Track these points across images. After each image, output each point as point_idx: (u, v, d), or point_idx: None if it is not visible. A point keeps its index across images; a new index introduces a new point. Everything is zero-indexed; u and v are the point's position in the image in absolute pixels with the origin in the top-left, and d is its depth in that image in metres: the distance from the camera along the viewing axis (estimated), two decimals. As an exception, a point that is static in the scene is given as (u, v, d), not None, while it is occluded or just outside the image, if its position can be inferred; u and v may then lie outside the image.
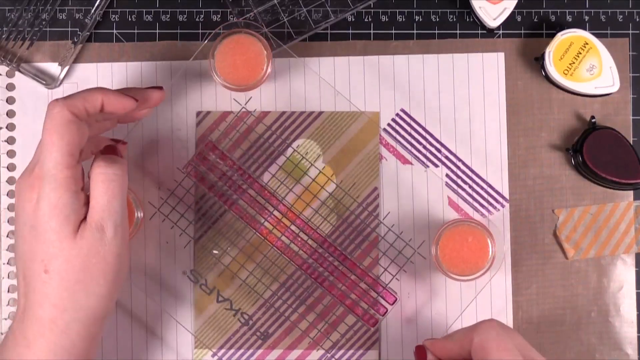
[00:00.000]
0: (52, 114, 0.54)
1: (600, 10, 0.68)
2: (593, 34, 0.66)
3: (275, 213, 0.65)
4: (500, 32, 0.68)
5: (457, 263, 0.63)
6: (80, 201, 0.55)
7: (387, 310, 0.64)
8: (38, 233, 0.54)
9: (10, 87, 0.67)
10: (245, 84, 0.64)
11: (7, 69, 0.67)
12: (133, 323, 0.66)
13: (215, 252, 0.66)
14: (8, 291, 0.66)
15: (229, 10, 0.68)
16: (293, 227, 0.65)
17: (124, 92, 0.58)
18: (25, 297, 0.56)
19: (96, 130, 0.60)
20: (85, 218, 0.55)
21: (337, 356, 0.66)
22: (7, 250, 0.66)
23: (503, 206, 0.67)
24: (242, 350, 0.66)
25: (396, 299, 0.65)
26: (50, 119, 0.54)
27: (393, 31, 0.68)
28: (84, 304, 0.55)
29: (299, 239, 0.65)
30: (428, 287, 0.66)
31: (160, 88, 0.61)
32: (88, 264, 0.55)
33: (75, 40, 0.67)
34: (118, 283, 0.57)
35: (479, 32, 0.68)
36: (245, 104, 0.67)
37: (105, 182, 0.56)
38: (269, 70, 0.64)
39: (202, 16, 0.68)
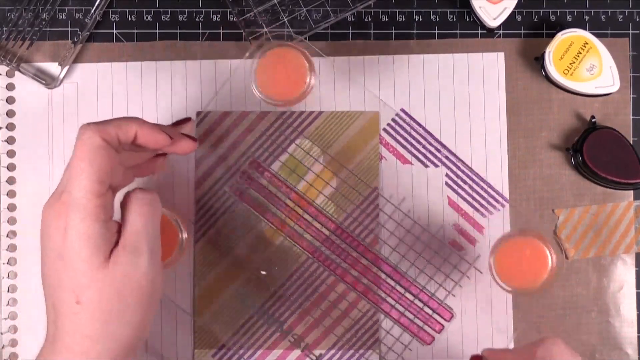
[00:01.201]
0: (83, 139, 0.52)
1: (600, 10, 0.68)
2: (593, 33, 0.66)
3: (315, 224, 0.66)
4: (500, 32, 0.68)
5: (515, 276, 0.62)
6: (111, 230, 0.53)
7: (443, 327, 0.65)
8: (67, 262, 0.52)
9: (10, 87, 0.67)
10: (287, 99, 0.63)
11: (7, 69, 0.67)
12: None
13: (263, 272, 0.66)
14: (8, 291, 0.66)
15: (229, 10, 0.68)
16: (337, 240, 0.66)
17: (160, 128, 0.56)
18: (55, 325, 0.53)
19: (134, 160, 0.59)
20: (116, 245, 0.53)
21: (337, 356, 0.66)
22: (7, 250, 0.66)
23: (503, 206, 0.67)
24: (242, 350, 0.66)
25: (452, 315, 0.65)
26: (81, 143, 0.52)
27: (393, 31, 0.68)
28: (118, 334, 0.53)
29: (345, 254, 0.66)
30: (480, 301, 0.66)
31: (194, 139, 0.59)
32: (122, 292, 0.52)
33: (75, 40, 0.67)
34: (152, 309, 0.55)
35: (479, 32, 0.68)
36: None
37: (140, 205, 0.54)
38: (312, 84, 0.63)
39: (202, 16, 0.68)
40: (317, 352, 0.66)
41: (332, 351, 0.66)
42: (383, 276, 0.66)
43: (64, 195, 0.52)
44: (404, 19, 0.68)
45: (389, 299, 0.66)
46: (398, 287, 0.66)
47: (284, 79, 0.62)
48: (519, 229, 0.66)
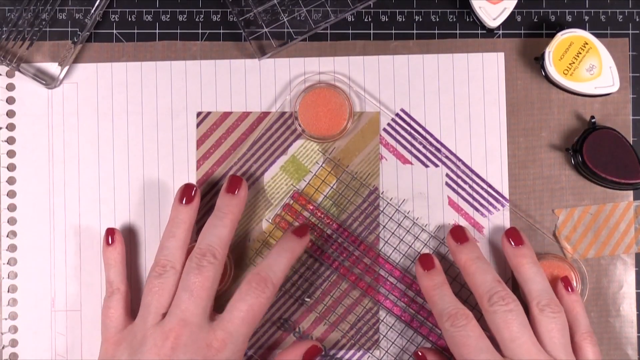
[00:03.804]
0: (262, 300, 0.59)
1: (600, 10, 0.68)
2: (593, 34, 0.66)
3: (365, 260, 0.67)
4: (500, 32, 0.68)
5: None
6: None
7: None
8: None
9: (10, 87, 0.67)
10: (327, 135, 0.65)
11: (7, 69, 0.67)
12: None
13: (307, 299, 0.67)
14: (8, 291, 0.66)
15: (229, 10, 0.68)
16: (382, 272, 0.67)
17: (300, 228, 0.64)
18: None
19: None
20: None
21: (337, 356, 0.66)
22: (7, 250, 0.66)
23: (503, 206, 0.67)
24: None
25: None
26: (259, 303, 0.59)
27: (393, 31, 0.68)
28: None
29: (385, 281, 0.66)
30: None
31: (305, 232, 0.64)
32: None
33: (75, 40, 0.67)
34: None
35: (479, 32, 0.68)
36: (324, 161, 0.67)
37: None
38: (351, 122, 0.66)
39: (202, 16, 0.68)
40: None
41: (333, 351, 0.66)
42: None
43: (222, 333, 0.58)
44: (403, 19, 0.68)
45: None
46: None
47: (325, 117, 0.65)
48: (545, 253, 0.67)
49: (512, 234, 0.63)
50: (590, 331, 0.61)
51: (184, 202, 0.62)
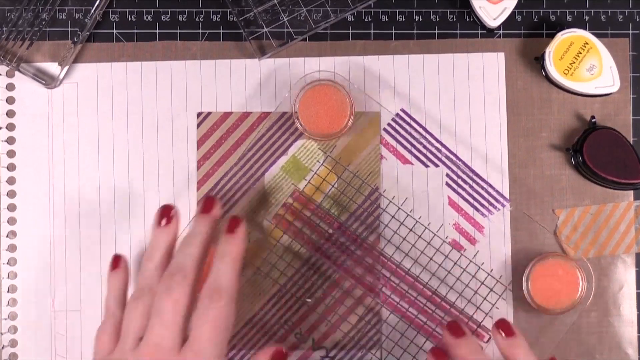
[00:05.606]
0: (223, 308, 0.56)
1: (600, 10, 0.68)
2: (593, 33, 0.66)
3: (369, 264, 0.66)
4: (500, 32, 0.68)
5: (550, 297, 0.64)
6: None
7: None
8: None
9: (10, 87, 0.67)
10: (329, 133, 0.65)
11: (7, 69, 0.67)
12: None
13: (308, 300, 0.67)
14: (8, 291, 0.66)
15: (229, 10, 0.68)
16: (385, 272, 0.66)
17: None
18: None
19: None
20: None
21: (338, 356, 0.66)
22: (7, 250, 0.66)
23: (503, 206, 0.67)
24: (243, 351, 0.66)
25: (490, 338, 0.65)
26: (225, 310, 0.56)
27: (393, 31, 0.68)
28: None
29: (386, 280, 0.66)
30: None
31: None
32: None
33: (75, 40, 0.67)
34: None
35: (479, 32, 0.68)
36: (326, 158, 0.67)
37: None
38: (352, 119, 0.65)
39: (202, 16, 0.68)
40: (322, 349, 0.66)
41: (334, 351, 0.66)
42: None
43: (191, 355, 0.55)
44: (404, 19, 0.68)
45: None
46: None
47: (325, 115, 0.65)
48: (549, 252, 0.67)
49: (503, 326, 0.60)
50: None
51: (162, 224, 0.61)
